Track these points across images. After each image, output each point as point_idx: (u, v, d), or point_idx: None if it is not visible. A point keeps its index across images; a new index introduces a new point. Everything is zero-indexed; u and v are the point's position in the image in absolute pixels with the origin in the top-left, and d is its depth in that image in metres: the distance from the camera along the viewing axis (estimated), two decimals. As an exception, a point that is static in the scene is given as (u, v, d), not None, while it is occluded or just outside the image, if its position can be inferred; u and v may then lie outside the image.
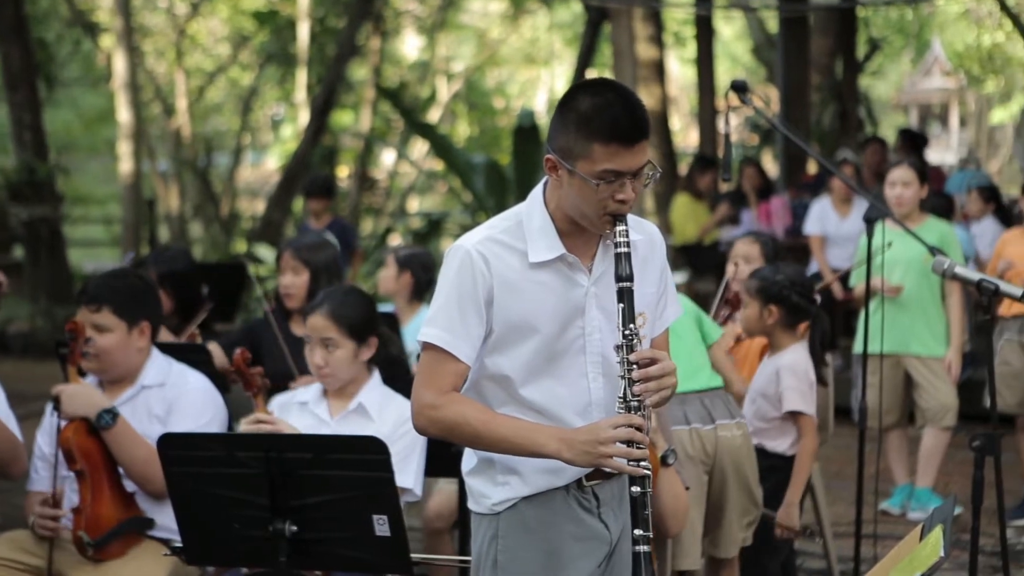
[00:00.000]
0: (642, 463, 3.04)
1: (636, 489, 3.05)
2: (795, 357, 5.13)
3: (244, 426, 4.29)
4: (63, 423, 4.29)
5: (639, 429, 3.04)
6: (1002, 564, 4.40)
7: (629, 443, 3.03)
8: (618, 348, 3.09)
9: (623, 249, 3.09)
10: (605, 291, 3.14)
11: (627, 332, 3.07)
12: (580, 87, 3.14)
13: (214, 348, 5.43)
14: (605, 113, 3.03)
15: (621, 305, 3.09)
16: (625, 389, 3.07)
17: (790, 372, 5.09)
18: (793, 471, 5.04)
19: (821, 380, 5.25)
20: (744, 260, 5.70)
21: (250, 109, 23.42)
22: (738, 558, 4.95)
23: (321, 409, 4.45)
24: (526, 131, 14.05)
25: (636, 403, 3.06)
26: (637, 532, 3.05)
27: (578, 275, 3.17)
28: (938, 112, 33.59)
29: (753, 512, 4.88)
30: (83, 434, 4.29)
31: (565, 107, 3.10)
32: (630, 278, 3.09)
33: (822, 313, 5.30)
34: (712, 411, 4.80)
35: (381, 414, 4.37)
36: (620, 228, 3.09)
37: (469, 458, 3.29)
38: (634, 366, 3.06)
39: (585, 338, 3.16)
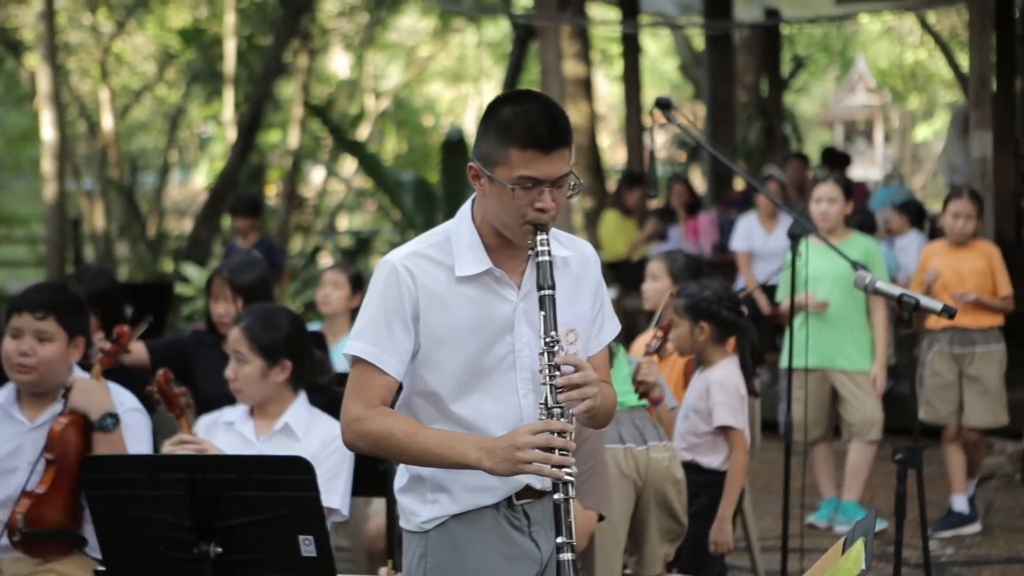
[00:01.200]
0: (564, 469, 3.02)
1: (558, 496, 3.03)
2: (725, 372, 5.16)
3: (168, 447, 4.25)
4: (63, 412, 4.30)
5: (562, 434, 3.03)
6: (925, 576, 4.45)
7: (551, 450, 3.02)
8: (540, 355, 3.08)
9: (544, 258, 3.09)
10: (534, 307, 3.12)
11: (548, 340, 3.06)
12: (503, 97, 3.16)
13: (138, 346, 5.36)
14: (523, 119, 3.05)
15: (543, 313, 3.08)
16: (547, 396, 3.06)
17: (720, 387, 5.12)
18: (725, 486, 5.07)
19: (752, 391, 5.29)
20: (652, 278, 5.83)
21: (177, 127, 23.22)
22: (665, 571, 4.98)
23: (247, 429, 4.42)
24: (454, 147, 14.03)
25: (559, 410, 3.05)
26: (560, 539, 3.03)
27: (506, 290, 3.17)
28: (863, 128, 34.01)
29: (676, 530, 4.91)
30: (74, 429, 4.29)
31: (488, 116, 3.12)
32: (551, 286, 3.08)
33: (750, 325, 5.35)
34: (644, 432, 4.84)
35: (307, 434, 4.35)
36: (540, 237, 3.09)
37: (401, 475, 3.28)
38: (556, 372, 3.05)
39: (515, 354, 3.16)
